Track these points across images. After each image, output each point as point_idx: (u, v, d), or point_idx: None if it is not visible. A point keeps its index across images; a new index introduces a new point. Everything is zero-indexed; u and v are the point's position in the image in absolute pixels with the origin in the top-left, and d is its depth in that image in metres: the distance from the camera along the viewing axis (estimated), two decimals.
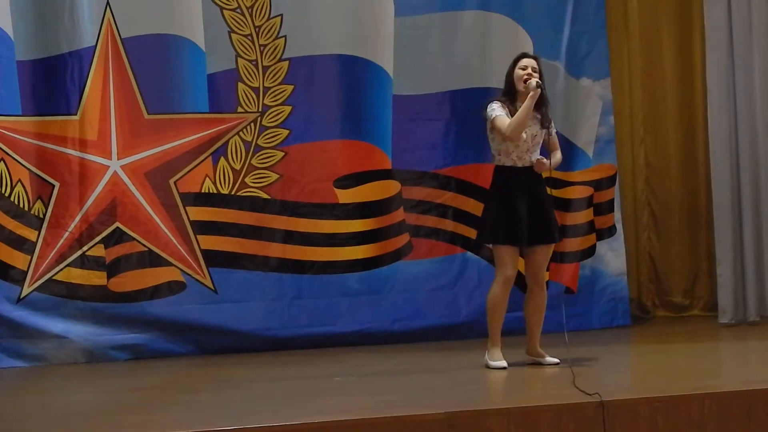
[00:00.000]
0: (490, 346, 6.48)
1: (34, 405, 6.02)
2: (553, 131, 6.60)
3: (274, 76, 7.80)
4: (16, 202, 7.39)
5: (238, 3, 7.74)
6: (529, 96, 6.38)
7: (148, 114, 7.60)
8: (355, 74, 7.89)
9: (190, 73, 7.66)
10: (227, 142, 7.73)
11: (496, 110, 6.47)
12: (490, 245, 6.71)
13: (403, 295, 7.98)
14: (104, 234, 7.49)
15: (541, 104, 6.46)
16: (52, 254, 7.42)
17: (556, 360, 6.48)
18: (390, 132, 7.97)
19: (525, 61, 6.55)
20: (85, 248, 7.46)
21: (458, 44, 8.11)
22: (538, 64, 6.56)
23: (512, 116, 6.44)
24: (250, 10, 7.77)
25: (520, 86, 6.48)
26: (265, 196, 7.78)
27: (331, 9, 7.88)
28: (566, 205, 8.27)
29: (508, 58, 6.81)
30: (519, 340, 6.64)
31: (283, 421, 5.04)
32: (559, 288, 8.23)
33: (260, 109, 7.78)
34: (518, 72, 6.51)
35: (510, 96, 6.55)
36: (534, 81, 6.40)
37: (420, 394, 5.75)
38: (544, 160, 6.50)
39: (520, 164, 6.48)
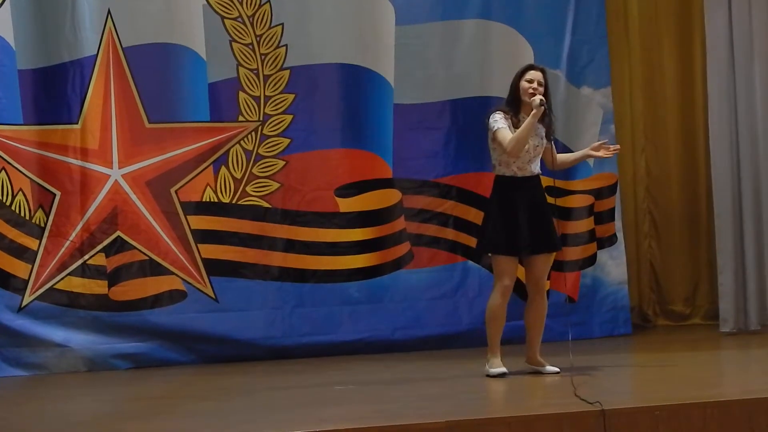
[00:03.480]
0: (489, 355, 6.47)
1: (35, 414, 6.02)
2: (553, 142, 6.57)
3: (275, 85, 7.81)
4: (17, 211, 7.39)
5: (239, 12, 7.75)
6: (531, 114, 6.32)
7: (149, 123, 7.61)
8: (356, 83, 7.90)
9: (191, 82, 7.67)
10: (228, 151, 7.73)
11: (499, 122, 6.42)
12: (490, 255, 6.68)
13: (403, 303, 7.97)
14: (105, 243, 7.49)
15: (543, 116, 6.41)
16: (53, 263, 7.43)
17: (556, 369, 6.47)
18: (391, 141, 7.97)
19: (532, 74, 6.47)
20: (86, 257, 7.46)
21: (459, 53, 8.11)
22: (544, 77, 6.49)
23: (515, 128, 6.41)
24: (251, 19, 7.77)
25: (526, 98, 6.43)
26: (266, 204, 7.78)
27: (332, 18, 7.89)
28: (567, 213, 8.27)
29: (509, 67, 6.80)
30: (519, 348, 6.63)
31: (283, 430, 5.03)
32: (559, 297, 8.22)
33: (261, 118, 7.79)
34: (524, 84, 6.45)
35: (514, 106, 6.49)
36: (538, 98, 6.33)
37: (421, 403, 5.73)
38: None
39: (520, 174, 6.46)
